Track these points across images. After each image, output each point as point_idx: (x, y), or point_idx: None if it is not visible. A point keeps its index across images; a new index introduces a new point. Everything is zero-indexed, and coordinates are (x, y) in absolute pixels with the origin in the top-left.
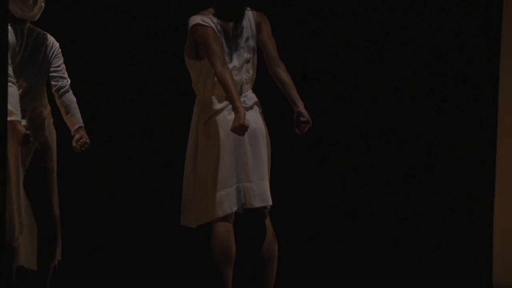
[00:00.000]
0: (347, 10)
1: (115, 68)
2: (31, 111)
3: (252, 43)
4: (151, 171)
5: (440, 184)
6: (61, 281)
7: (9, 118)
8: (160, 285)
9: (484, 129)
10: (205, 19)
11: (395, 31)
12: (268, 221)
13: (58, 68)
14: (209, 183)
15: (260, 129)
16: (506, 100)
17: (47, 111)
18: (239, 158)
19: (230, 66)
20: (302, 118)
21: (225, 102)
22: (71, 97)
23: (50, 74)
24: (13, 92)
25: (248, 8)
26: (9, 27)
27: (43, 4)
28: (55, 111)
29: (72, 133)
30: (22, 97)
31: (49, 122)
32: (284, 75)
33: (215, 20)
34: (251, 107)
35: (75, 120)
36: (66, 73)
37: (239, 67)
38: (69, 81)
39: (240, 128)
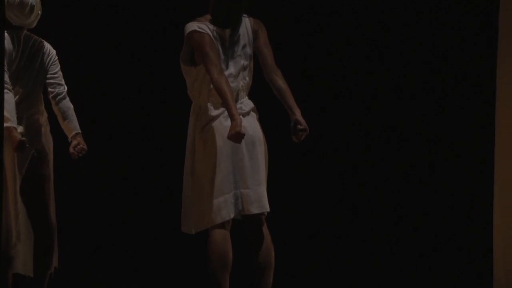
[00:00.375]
0: (347, 8)
1: (114, 67)
2: (28, 118)
3: (248, 50)
4: (151, 169)
5: (440, 182)
6: None
7: (4, 125)
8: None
9: (484, 127)
10: (201, 26)
11: (395, 29)
12: (265, 228)
13: (55, 75)
14: (207, 189)
15: (257, 135)
16: (504, 98)
17: (43, 118)
18: (236, 165)
19: (227, 73)
20: (299, 126)
21: (221, 109)
22: (68, 104)
23: (47, 81)
24: (9, 99)
25: (245, 15)
26: (6, 34)
27: (39, 11)
28: (52, 118)
29: (70, 140)
30: (18, 104)
31: (45, 129)
32: (280, 82)
33: (211, 27)
34: (247, 113)
35: (72, 126)
36: (63, 80)
37: (236, 74)
38: (66, 88)
39: (236, 136)
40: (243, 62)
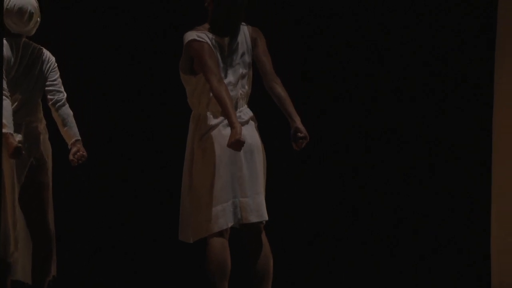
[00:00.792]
0: (347, 10)
1: (115, 68)
2: (27, 126)
3: (247, 58)
4: (151, 172)
5: (440, 184)
6: None
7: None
8: None
9: (483, 129)
10: (200, 35)
11: (395, 31)
12: (264, 236)
13: (55, 82)
14: (205, 198)
15: (256, 144)
16: (501, 100)
17: (42, 125)
18: (235, 173)
19: (226, 81)
20: (299, 134)
21: (221, 118)
22: (67, 111)
23: (46, 88)
24: (7, 105)
25: (244, 23)
26: (5, 41)
27: (38, 19)
28: (51, 125)
29: (69, 147)
30: (17, 111)
31: (44, 136)
32: (280, 90)
33: (210, 35)
34: (246, 122)
35: (72, 133)
36: (62, 87)
37: (235, 82)
38: (65, 94)
39: (236, 144)
40: (242, 70)
